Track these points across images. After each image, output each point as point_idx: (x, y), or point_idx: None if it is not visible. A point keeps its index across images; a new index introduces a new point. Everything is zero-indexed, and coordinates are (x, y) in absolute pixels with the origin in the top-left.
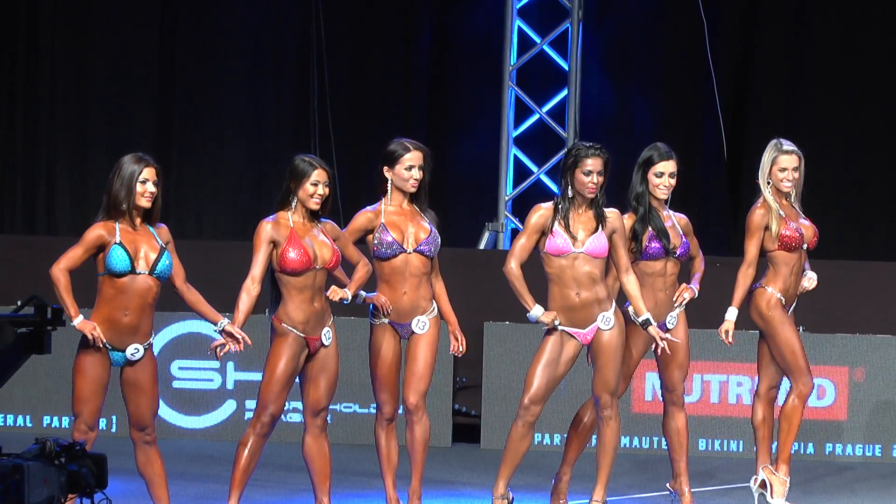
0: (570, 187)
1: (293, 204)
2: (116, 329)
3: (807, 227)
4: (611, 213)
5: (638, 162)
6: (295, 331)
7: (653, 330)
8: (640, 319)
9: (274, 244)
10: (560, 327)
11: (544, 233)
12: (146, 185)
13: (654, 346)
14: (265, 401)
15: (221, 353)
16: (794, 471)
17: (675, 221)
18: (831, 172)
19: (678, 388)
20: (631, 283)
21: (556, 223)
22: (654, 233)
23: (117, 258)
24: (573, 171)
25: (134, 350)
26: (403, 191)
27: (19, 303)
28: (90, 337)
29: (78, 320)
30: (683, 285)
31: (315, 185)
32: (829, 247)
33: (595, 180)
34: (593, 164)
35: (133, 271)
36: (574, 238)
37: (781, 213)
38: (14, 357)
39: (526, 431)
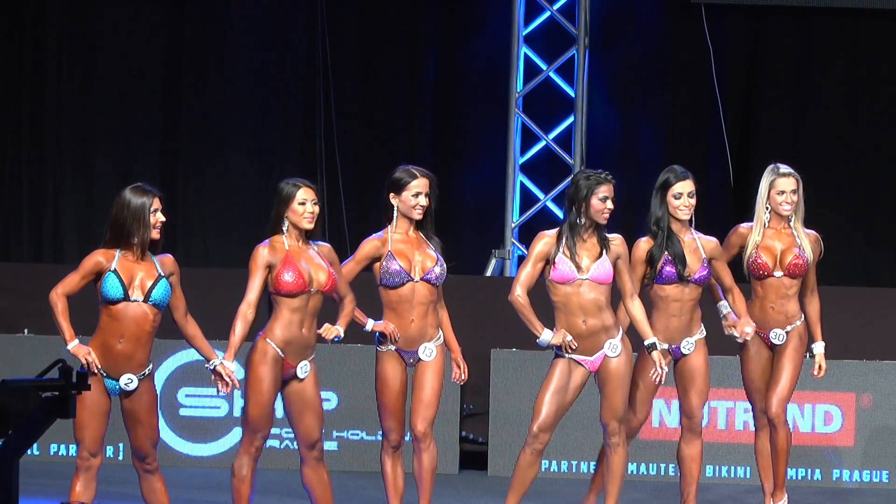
0: (581, 215)
1: (285, 228)
2: (111, 356)
3: (789, 252)
4: (615, 238)
5: (655, 186)
6: (276, 349)
7: (656, 355)
8: (645, 343)
9: (270, 268)
10: (567, 355)
11: (549, 260)
12: (157, 215)
13: (651, 371)
14: (256, 426)
15: (220, 390)
16: (801, 497)
17: (700, 244)
18: (837, 198)
19: (696, 415)
20: (636, 308)
21: (561, 250)
22: (669, 257)
23: (110, 285)
24: (588, 198)
25: (127, 380)
26: (409, 218)
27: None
28: (84, 362)
29: (73, 345)
30: (744, 319)
31: (303, 204)
32: (835, 273)
33: (610, 206)
34: (607, 189)
35: (126, 298)
36: (579, 265)
37: (758, 239)
38: (39, 422)
39: (534, 459)
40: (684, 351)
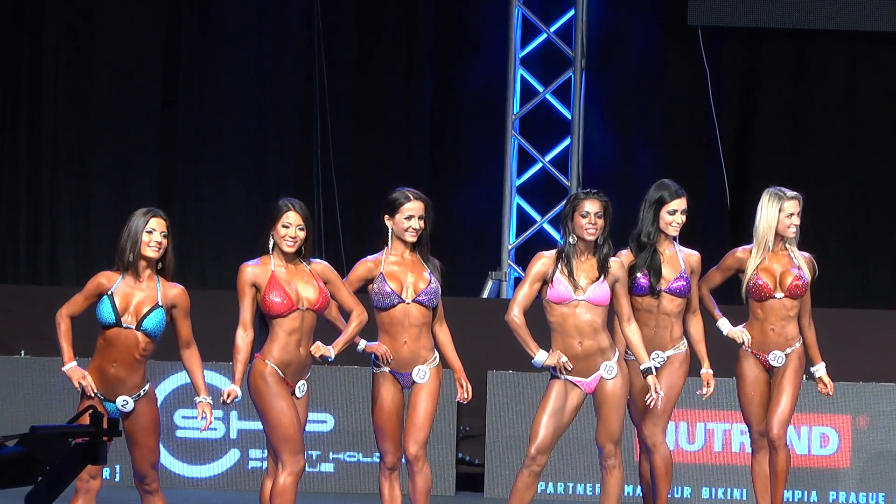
0: (570, 233)
1: (271, 246)
2: (105, 379)
3: (789, 274)
4: (614, 261)
5: (648, 201)
6: (276, 369)
7: (651, 380)
8: (640, 368)
9: (256, 288)
10: (563, 377)
11: (546, 281)
12: (153, 234)
13: (647, 396)
14: (294, 445)
15: (229, 400)
16: None
17: (682, 258)
18: (833, 220)
19: (650, 436)
20: (632, 332)
21: (558, 271)
22: (646, 270)
23: (104, 309)
24: (572, 215)
25: (123, 402)
26: (403, 240)
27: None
28: (76, 385)
29: (68, 367)
30: (705, 374)
31: (287, 227)
32: (831, 295)
33: (593, 221)
34: (591, 205)
35: (118, 324)
36: (576, 286)
37: (758, 261)
38: (69, 468)
39: (532, 481)
40: (655, 364)
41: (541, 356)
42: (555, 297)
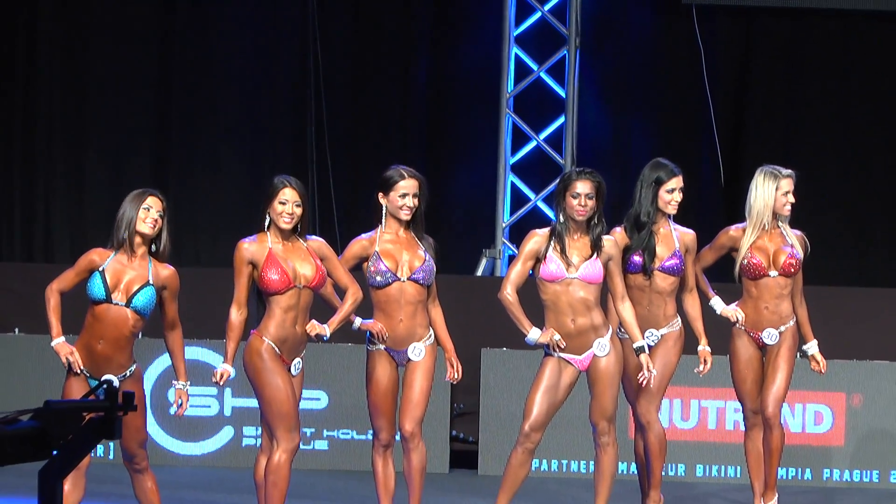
0: (562, 212)
1: (267, 224)
2: (92, 357)
3: (782, 252)
4: (608, 240)
5: (644, 181)
6: (273, 345)
7: (644, 359)
8: (634, 346)
9: (253, 265)
10: (557, 354)
11: (539, 259)
12: (149, 211)
13: (639, 374)
14: (290, 422)
15: (221, 381)
16: (790, 496)
17: (677, 236)
18: (827, 197)
19: (644, 414)
20: (626, 310)
21: (551, 249)
22: (641, 249)
23: (94, 285)
24: (563, 194)
25: (106, 379)
26: (398, 218)
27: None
28: (64, 361)
29: (56, 342)
30: (702, 351)
31: (283, 204)
32: (826, 273)
33: (583, 203)
34: (582, 186)
35: (108, 300)
36: (569, 264)
37: (752, 240)
38: (83, 443)
39: (525, 458)
40: (649, 342)
41: (534, 334)
42: (547, 274)
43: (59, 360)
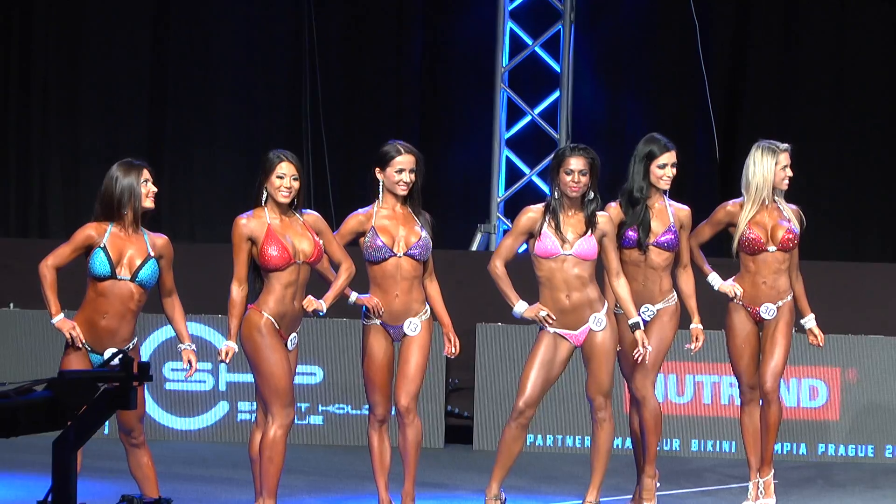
0: (556, 188)
1: (265, 199)
2: (95, 332)
3: (780, 227)
4: (602, 215)
5: (637, 155)
6: (272, 319)
7: (639, 335)
8: (629, 322)
9: (252, 241)
10: (552, 330)
11: (533, 235)
12: (148, 185)
13: (634, 351)
14: (285, 397)
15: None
16: (786, 471)
17: (671, 211)
18: (823, 174)
19: (639, 389)
20: (621, 286)
21: (546, 225)
22: (637, 225)
23: (98, 262)
24: (557, 170)
25: (111, 355)
26: (395, 193)
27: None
28: (67, 336)
29: (57, 318)
30: (694, 329)
31: (281, 178)
32: (821, 248)
33: (577, 179)
34: (576, 163)
35: (113, 276)
36: (563, 240)
37: (750, 215)
38: (99, 413)
39: (519, 433)
40: (645, 317)
41: (520, 307)
42: (542, 251)
43: (56, 335)
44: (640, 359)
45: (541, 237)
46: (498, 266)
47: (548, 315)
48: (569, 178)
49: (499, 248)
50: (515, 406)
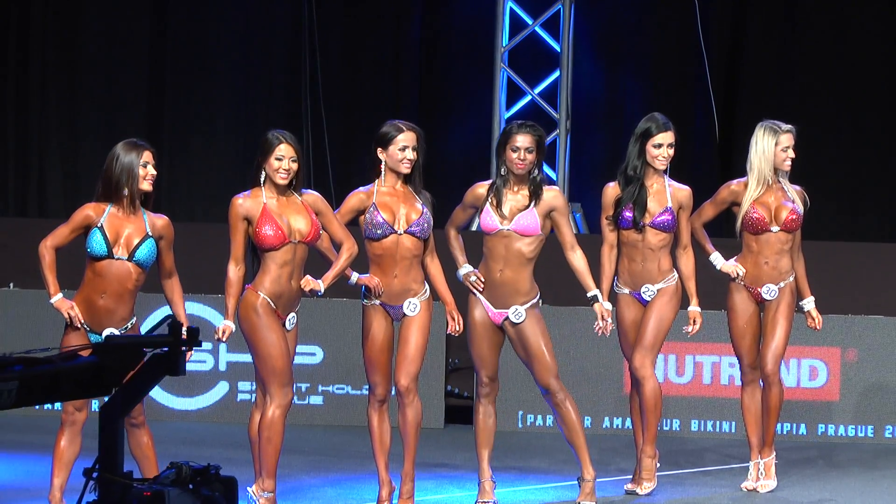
0: (503, 165)
1: (263, 179)
2: (93, 311)
3: (784, 208)
4: (549, 191)
5: (635, 133)
6: (268, 300)
7: (597, 307)
8: (587, 295)
9: (248, 221)
10: (486, 302)
11: (478, 209)
12: (147, 168)
13: (594, 324)
14: (283, 377)
15: (224, 338)
16: (786, 451)
17: (670, 192)
18: (822, 153)
19: (639, 369)
20: (577, 259)
21: (488, 202)
22: (632, 203)
23: (95, 242)
24: (504, 147)
25: (109, 334)
26: (397, 172)
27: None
28: (66, 316)
29: (56, 298)
30: (692, 311)
31: (280, 160)
32: (821, 228)
33: (523, 157)
34: (522, 140)
35: (110, 256)
36: (502, 217)
37: (755, 195)
38: (147, 379)
39: (488, 408)
40: (645, 297)
41: (464, 269)
42: (483, 226)
43: (56, 316)
44: (601, 333)
45: (482, 213)
46: (450, 232)
47: (477, 280)
48: (515, 155)
49: (451, 216)
50: (479, 382)
